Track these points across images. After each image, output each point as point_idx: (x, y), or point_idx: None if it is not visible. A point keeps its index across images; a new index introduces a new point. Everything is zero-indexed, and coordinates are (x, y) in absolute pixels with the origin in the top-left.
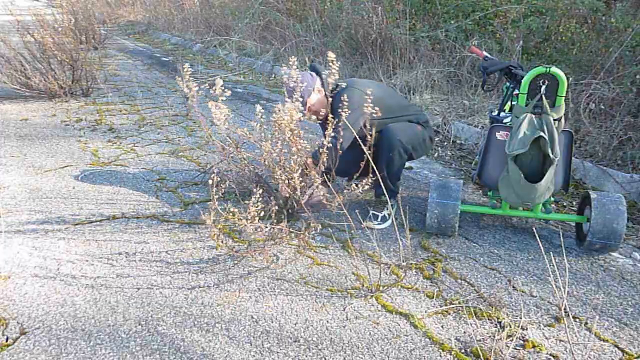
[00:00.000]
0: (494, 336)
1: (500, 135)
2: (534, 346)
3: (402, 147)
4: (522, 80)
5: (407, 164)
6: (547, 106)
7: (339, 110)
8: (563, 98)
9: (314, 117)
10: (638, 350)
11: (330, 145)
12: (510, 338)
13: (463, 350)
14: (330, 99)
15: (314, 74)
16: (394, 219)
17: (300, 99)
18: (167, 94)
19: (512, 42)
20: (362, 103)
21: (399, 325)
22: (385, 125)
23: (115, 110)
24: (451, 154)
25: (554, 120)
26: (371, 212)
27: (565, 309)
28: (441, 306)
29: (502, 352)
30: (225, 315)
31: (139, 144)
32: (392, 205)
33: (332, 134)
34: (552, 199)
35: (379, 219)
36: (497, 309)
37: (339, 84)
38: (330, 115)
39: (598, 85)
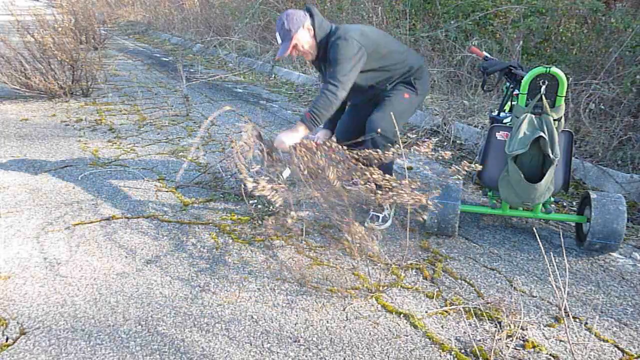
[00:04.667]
0: (494, 336)
1: (500, 135)
2: (534, 346)
3: (384, 139)
4: (522, 81)
5: (407, 164)
6: (547, 106)
7: (334, 59)
8: (563, 98)
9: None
10: (638, 350)
11: (326, 92)
12: (510, 338)
13: (463, 350)
14: (321, 43)
15: (306, 13)
16: (394, 219)
17: (288, 32)
18: (167, 94)
19: (512, 42)
20: (358, 54)
21: (399, 325)
22: (369, 117)
23: (115, 110)
24: (451, 154)
25: (554, 120)
26: (372, 212)
27: (565, 309)
28: (441, 306)
29: (502, 352)
30: (225, 315)
31: (139, 144)
32: (391, 205)
33: (328, 82)
34: (552, 199)
35: (380, 220)
36: (497, 309)
37: (333, 30)
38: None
39: (598, 86)
